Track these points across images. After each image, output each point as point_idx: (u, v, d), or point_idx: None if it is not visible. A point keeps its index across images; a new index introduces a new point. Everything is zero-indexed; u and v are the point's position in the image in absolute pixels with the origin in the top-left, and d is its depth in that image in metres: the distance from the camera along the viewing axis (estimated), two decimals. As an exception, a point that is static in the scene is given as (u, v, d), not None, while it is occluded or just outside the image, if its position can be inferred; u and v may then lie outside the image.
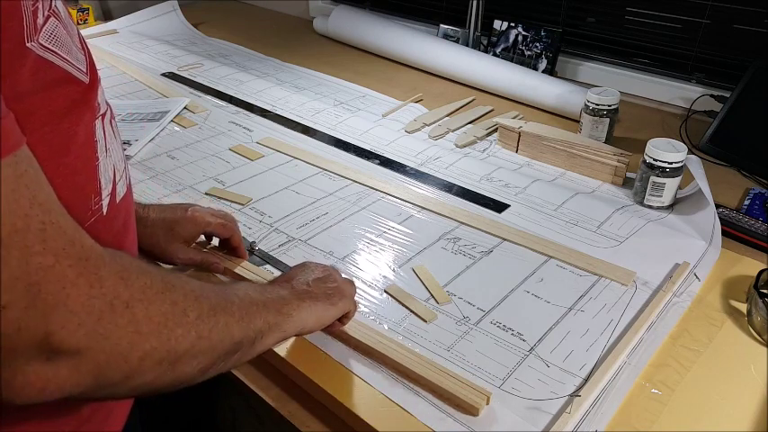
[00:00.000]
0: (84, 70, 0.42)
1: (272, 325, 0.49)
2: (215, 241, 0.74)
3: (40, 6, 0.37)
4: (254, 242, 0.79)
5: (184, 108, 1.19)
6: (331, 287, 0.58)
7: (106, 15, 1.81)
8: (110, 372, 0.35)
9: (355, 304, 0.62)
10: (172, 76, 1.37)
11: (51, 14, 0.39)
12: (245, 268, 0.72)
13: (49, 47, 0.38)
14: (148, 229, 0.67)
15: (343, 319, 0.61)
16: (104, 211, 0.44)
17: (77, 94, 0.40)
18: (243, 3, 2.01)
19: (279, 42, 1.62)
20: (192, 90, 1.29)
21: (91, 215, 0.42)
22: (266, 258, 0.76)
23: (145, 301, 0.37)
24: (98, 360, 0.34)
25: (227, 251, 0.74)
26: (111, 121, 0.47)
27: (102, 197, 0.44)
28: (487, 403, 0.56)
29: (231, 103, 1.24)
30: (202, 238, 0.73)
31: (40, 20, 0.37)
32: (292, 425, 0.58)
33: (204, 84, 1.32)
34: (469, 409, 0.56)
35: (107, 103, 0.46)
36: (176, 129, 1.12)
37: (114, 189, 0.46)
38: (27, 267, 0.31)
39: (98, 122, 0.43)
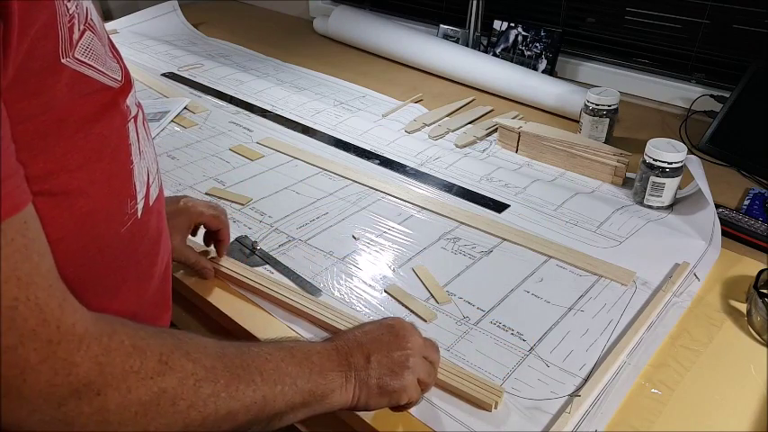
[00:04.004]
0: (118, 78, 0.41)
1: (296, 405, 0.44)
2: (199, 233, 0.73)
3: (76, 21, 0.37)
4: (255, 242, 0.79)
5: (184, 108, 1.19)
6: (395, 368, 0.49)
7: (106, 15, 1.81)
8: None
9: (418, 394, 0.52)
10: (172, 76, 1.37)
11: (87, 28, 0.38)
12: (244, 272, 0.72)
13: (85, 61, 0.37)
14: None
15: (404, 406, 0.52)
16: (139, 214, 0.43)
17: (108, 99, 0.40)
18: (243, 3, 2.01)
19: (279, 42, 1.62)
20: (192, 90, 1.29)
21: (127, 219, 0.42)
22: (266, 258, 0.76)
23: (123, 389, 0.34)
24: None
25: (213, 244, 0.73)
26: (143, 123, 0.46)
27: (138, 200, 0.43)
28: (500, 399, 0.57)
29: (231, 103, 1.24)
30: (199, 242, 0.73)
31: (76, 35, 0.37)
32: (292, 425, 0.58)
33: (204, 84, 1.32)
34: (483, 406, 0.56)
35: (137, 105, 0.46)
36: (176, 129, 1.12)
37: (148, 192, 0.45)
38: None
39: (131, 125, 0.43)
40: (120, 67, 0.43)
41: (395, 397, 0.50)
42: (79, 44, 0.37)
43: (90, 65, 0.38)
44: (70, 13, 0.36)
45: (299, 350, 0.46)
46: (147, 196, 0.45)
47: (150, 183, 0.46)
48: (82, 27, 0.38)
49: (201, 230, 0.73)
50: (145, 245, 0.44)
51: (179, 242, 0.69)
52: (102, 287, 0.42)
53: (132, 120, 0.43)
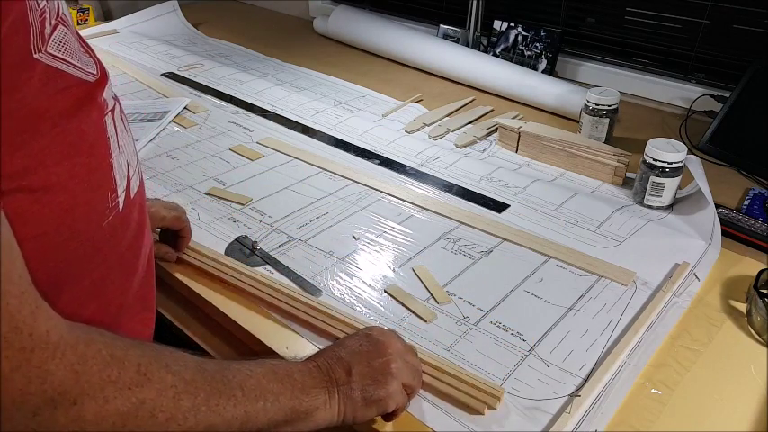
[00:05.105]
0: (94, 72, 0.41)
1: (279, 423, 0.43)
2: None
3: (48, 16, 0.36)
4: (255, 242, 0.79)
5: (184, 108, 1.19)
6: (377, 377, 0.49)
7: (106, 15, 1.81)
8: None
9: (405, 399, 0.52)
10: (172, 76, 1.37)
11: (59, 22, 0.38)
12: (243, 273, 0.72)
13: (58, 55, 0.37)
14: None
15: (394, 413, 0.51)
16: (121, 207, 0.43)
17: (83, 93, 0.40)
18: (243, 3, 2.01)
19: (279, 42, 1.62)
20: (192, 90, 1.29)
21: (108, 213, 0.42)
22: (266, 258, 0.76)
23: (100, 398, 0.33)
24: None
25: (173, 241, 0.73)
26: (121, 116, 0.46)
27: (119, 193, 0.43)
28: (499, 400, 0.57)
29: (231, 103, 1.24)
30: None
31: (48, 29, 0.36)
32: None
33: (204, 84, 1.32)
34: (478, 409, 0.56)
35: (114, 98, 0.45)
36: (176, 129, 1.12)
37: (129, 185, 0.45)
38: None
39: (108, 119, 0.42)
40: (94, 60, 0.42)
41: (382, 405, 0.49)
42: (52, 39, 0.37)
43: (64, 59, 0.38)
44: (41, 7, 0.36)
45: (280, 368, 0.46)
46: (127, 189, 0.44)
47: (131, 176, 0.46)
48: (54, 21, 0.37)
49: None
50: (127, 238, 0.44)
51: None
52: (87, 282, 0.42)
53: (110, 113, 0.43)
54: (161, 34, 1.64)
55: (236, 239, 0.79)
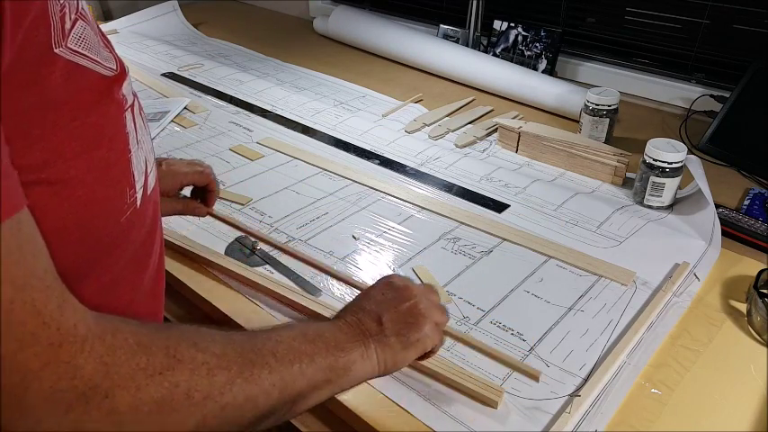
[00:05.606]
0: (113, 67, 0.41)
1: (319, 383, 0.43)
2: (186, 191, 0.74)
3: (68, 10, 0.36)
4: (255, 242, 0.79)
5: (184, 108, 1.19)
6: (409, 319, 0.49)
7: (106, 15, 1.81)
8: None
9: (440, 336, 0.52)
10: (172, 76, 1.37)
11: (79, 17, 0.38)
12: (244, 272, 0.72)
13: (78, 50, 0.37)
14: None
15: (427, 354, 0.52)
16: (138, 204, 0.43)
17: (103, 88, 0.39)
18: (243, 3, 2.01)
19: (279, 42, 1.62)
20: (192, 90, 1.29)
21: (127, 208, 0.41)
22: (266, 259, 0.76)
23: (132, 388, 0.33)
24: None
25: (202, 197, 0.74)
26: (140, 112, 0.46)
27: (137, 189, 0.43)
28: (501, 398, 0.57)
29: (231, 103, 1.24)
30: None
31: (68, 24, 0.36)
32: (292, 425, 0.58)
33: (204, 84, 1.32)
34: (489, 403, 0.57)
35: (134, 94, 0.45)
36: (176, 129, 1.12)
37: (146, 181, 0.45)
38: None
39: (128, 114, 0.42)
40: (114, 56, 0.43)
41: (419, 346, 0.50)
42: (72, 33, 0.37)
43: (84, 54, 0.38)
44: (61, 2, 0.36)
45: (310, 329, 0.46)
46: (145, 185, 0.45)
47: (148, 172, 0.46)
48: (73, 16, 0.37)
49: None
50: (142, 234, 0.44)
51: (167, 205, 0.69)
52: (101, 278, 0.42)
53: (129, 109, 0.43)
54: (161, 34, 1.64)
55: (236, 239, 0.79)
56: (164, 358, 0.35)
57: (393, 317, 0.49)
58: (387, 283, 0.53)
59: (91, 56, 0.39)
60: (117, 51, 0.44)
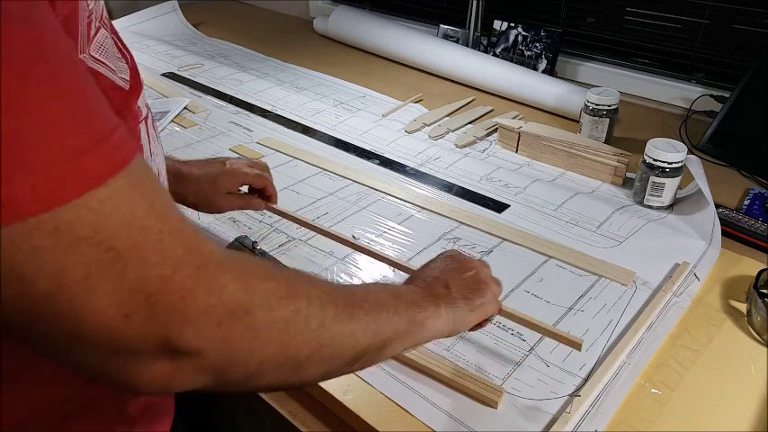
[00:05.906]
0: (126, 78, 0.42)
1: (401, 333, 0.46)
2: (244, 188, 0.76)
3: (94, 17, 0.37)
4: (255, 242, 0.79)
5: (184, 108, 1.19)
6: (473, 286, 0.54)
7: (106, 15, 1.81)
8: (230, 373, 0.35)
9: (498, 303, 0.57)
10: (172, 76, 1.37)
11: (102, 25, 0.39)
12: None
13: (99, 58, 0.38)
14: (193, 184, 0.70)
15: (484, 322, 0.56)
16: None
17: (120, 99, 0.40)
18: (243, 3, 2.01)
19: (279, 42, 1.62)
20: (192, 90, 1.29)
21: None
22: (266, 258, 0.76)
23: (266, 307, 0.36)
24: (217, 362, 0.34)
25: (258, 193, 0.77)
26: (153, 124, 0.47)
27: None
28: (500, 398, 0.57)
29: (231, 103, 1.24)
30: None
31: (93, 31, 0.37)
32: (292, 424, 0.58)
33: (204, 84, 1.32)
34: (489, 403, 0.57)
35: (147, 106, 0.46)
36: (176, 129, 1.12)
37: None
38: (146, 279, 0.31)
39: (142, 126, 0.43)
40: (129, 67, 0.43)
41: (482, 310, 0.53)
42: (94, 41, 0.37)
43: (103, 62, 0.38)
44: (89, 8, 0.36)
45: (390, 287, 0.50)
46: None
47: (161, 183, 0.46)
48: (97, 24, 0.38)
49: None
50: None
51: (226, 197, 0.72)
52: None
53: (143, 121, 0.43)
54: (161, 34, 1.64)
55: (236, 239, 0.79)
56: (286, 287, 0.38)
57: (459, 284, 0.53)
58: (449, 256, 0.57)
59: (109, 64, 0.39)
60: None
